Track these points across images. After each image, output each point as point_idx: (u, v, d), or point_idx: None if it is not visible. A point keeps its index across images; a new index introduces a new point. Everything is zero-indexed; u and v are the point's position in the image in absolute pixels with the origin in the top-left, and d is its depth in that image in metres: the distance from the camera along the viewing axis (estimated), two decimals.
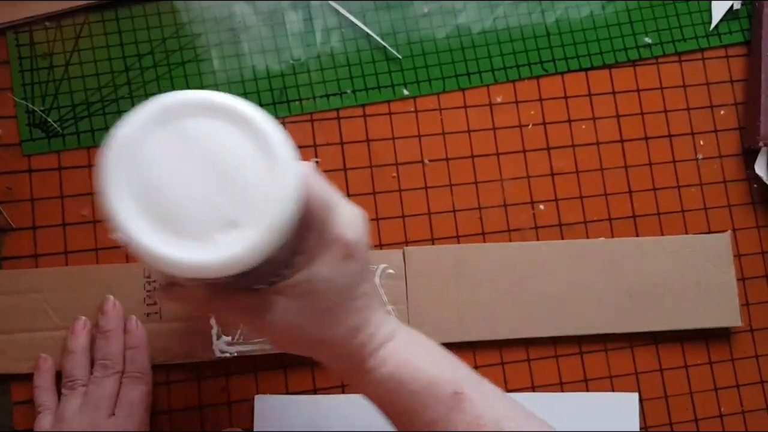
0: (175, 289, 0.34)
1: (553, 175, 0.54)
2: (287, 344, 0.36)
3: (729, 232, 0.54)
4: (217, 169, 0.25)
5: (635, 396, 0.52)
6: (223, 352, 0.49)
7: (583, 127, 0.55)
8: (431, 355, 0.37)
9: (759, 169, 0.55)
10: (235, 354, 0.49)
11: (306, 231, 0.31)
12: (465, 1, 0.56)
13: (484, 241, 0.53)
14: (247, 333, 0.41)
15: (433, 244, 0.52)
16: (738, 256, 0.55)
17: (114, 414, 0.44)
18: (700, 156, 0.56)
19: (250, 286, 0.33)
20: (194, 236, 0.25)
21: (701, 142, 0.56)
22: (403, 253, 0.51)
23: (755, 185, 0.56)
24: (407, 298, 0.50)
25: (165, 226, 0.25)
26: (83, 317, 0.47)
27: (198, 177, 0.25)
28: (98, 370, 0.46)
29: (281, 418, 0.49)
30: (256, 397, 0.49)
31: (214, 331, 0.49)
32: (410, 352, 0.36)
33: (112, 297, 0.47)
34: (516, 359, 0.52)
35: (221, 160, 0.26)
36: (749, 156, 0.56)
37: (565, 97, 0.56)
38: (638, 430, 0.51)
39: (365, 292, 0.35)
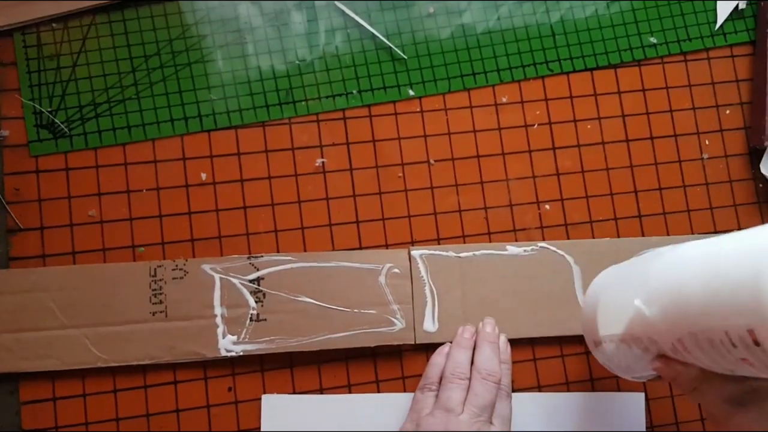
0: (672, 364, 0.36)
1: (558, 174, 0.54)
2: None
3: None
4: None
5: (641, 396, 0.52)
6: (228, 350, 0.49)
7: (589, 126, 0.55)
8: None
9: (765, 168, 0.55)
10: (241, 353, 0.49)
11: None
12: (469, 0, 0.56)
13: (490, 241, 0.53)
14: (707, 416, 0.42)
15: (439, 243, 0.53)
16: None
17: (492, 423, 0.45)
18: (705, 155, 0.56)
19: (739, 378, 0.35)
20: None
21: (707, 142, 0.56)
22: (409, 253, 0.51)
23: (761, 185, 0.56)
24: (413, 298, 0.51)
25: None
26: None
27: None
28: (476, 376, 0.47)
29: (288, 418, 0.49)
30: (263, 396, 0.49)
31: (220, 329, 0.49)
32: None
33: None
34: (522, 359, 0.52)
35: None
36: (755, 155, 0.56)
37: (571, 97, 0.56)
38: (644, 429, 0.51)
39: None
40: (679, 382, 0.36)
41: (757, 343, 0.27)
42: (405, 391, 0.50)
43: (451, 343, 0.50)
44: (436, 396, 0.46)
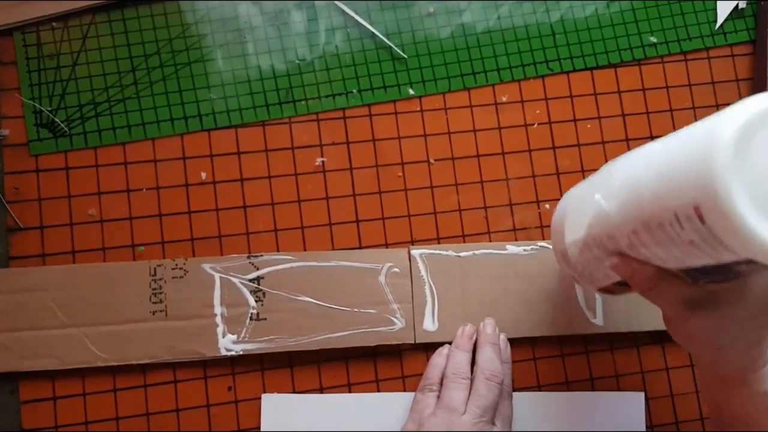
0: (629, 260, 0.36)
1: (558, 174, 0.54)
2: (690, 339, 0.38)
3: None
4: None
5: (641, 395, 0.52)
6: (228, 350, 0.49)
7: (589, 126, 0.55)
8: None
9: None
10: (241, 352, 0.49)
11: None
12: (469, 0, 0.56)
13: (490, 241, 0.53)
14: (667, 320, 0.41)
15: (438, 243, 0.53)
16: None
17: (494, 423, 0.46)
18: None
19: (694, 280, 0.35)
20: None
21: None
22: (409, 253, 0.51)
23: None
24: (412, 298, 0.51)
25: (763, 211, 0.27)
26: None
27: None
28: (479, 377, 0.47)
29: (288, 418, 0.49)
30: (263, 396, 0.49)
31: (220, 329, 0.49)
32: None
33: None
34: (522, 358, 0.52)
35: None
36: None
37: (571, 97, 0.56)
38: (644, 429, 0.51)
39: None
40: (635, 280, 0.36)
41: (702, 221, 0.28)
42: (405, 390, 0.50)
43: (450, 344, 0.50)
44: (437, 396, 0.47)
